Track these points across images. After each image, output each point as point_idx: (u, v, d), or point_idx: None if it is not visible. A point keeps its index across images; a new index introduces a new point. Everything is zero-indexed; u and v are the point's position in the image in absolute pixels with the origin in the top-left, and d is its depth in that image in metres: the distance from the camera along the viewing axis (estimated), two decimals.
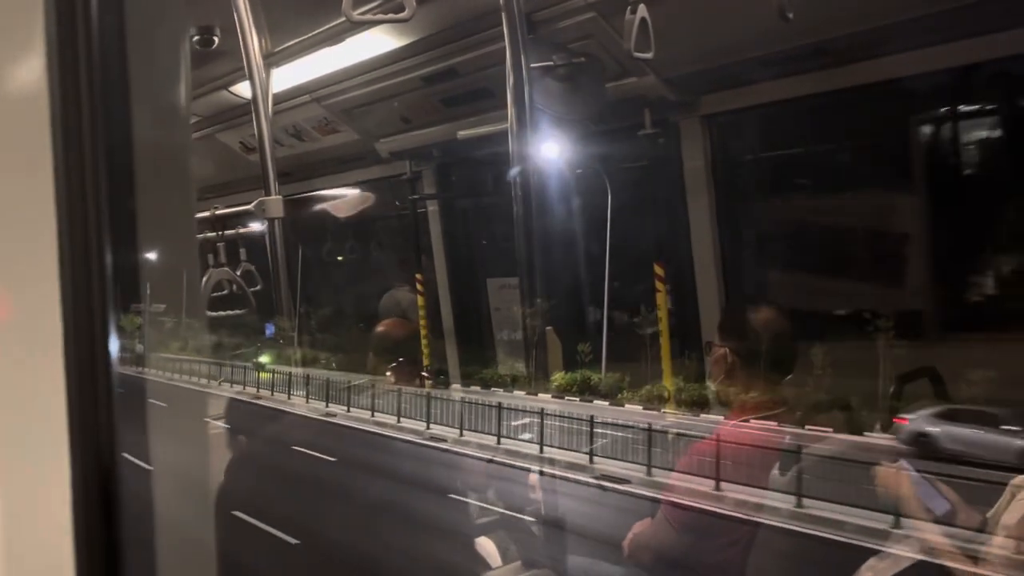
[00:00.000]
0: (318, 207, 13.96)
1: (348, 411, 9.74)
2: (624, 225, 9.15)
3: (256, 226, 11.78)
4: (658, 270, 8.23)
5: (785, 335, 3.79)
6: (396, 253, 12.75)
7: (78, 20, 0.93)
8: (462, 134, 9.31)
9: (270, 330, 12.82)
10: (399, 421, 8.75)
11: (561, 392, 8.76)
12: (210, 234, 10.29)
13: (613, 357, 8.91)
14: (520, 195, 8.52)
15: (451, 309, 11.16)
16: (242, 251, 13.03)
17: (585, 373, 8.76)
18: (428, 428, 8.51)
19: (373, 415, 9.22)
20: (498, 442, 7.79)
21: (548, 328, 8.55)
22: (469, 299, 11.09)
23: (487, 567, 4.10)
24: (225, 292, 12.71)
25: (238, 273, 12.90)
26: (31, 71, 0.93)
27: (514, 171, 8.54)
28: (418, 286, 11.47)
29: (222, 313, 12.24)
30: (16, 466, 0.91)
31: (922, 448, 6.18)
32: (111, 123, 0.97)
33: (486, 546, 4.20)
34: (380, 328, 7.07)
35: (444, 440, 8.27)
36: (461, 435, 8.18)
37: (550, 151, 8.82)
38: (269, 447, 8.01)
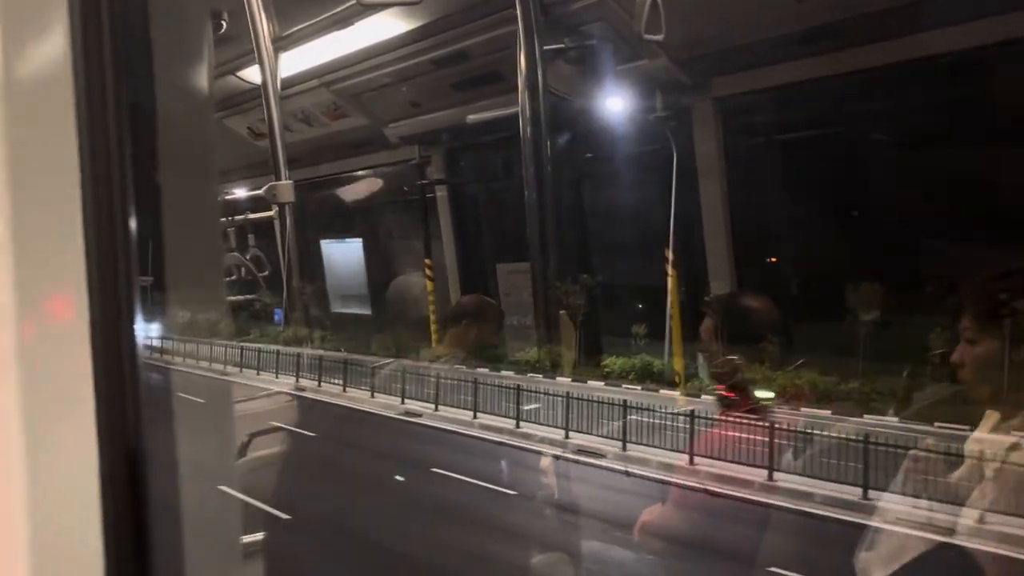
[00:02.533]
0: (327, 193, 14.01)
1: (436, 410, 7.96)
2: (641, 207, 9.13)
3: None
4: (669, 255, 8.19)
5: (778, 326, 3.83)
6: (405, 239, 12.74)
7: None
8: (472, 118, 9.26)
9: (279, 315, 12.86)
10: (518, 426, 7.25)
11: (617, 379, 7.97)
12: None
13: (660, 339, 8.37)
14: (533, 179, 8.46)
15: (460, 294, 11.15)
16: (251, 236, 13.09)
17: (645, 358, 8.02)
18: (567, 437, 6.77)
19: (476, 416, 7.57)
20: (770, 477, 5.30)
21: (561, 312, 8.41)
22: (479, 284, 11.08)
23: None
24: (234, 277, 12.75)
25: (247, 258, 12.93)
26: (54, 51, 0.91)
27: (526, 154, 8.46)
28: (427, 271, 11.46)
29: (231, 298, 12.27)
30: (44, 454, 0.90)
31: None
32: (135, 103, 0.95)
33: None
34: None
35: (602, 455, 6.41)
36: (623, 450, 6.38)
37: (562, 134, 8.76)
38: (406, 470, 7.05)
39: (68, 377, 0.90)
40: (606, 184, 9.69)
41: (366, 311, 12.71)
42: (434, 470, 6.75)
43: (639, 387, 7.75)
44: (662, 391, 7.54)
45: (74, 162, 0.90)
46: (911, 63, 6.78)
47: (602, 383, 7.93)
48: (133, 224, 0.94)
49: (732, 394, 3.55)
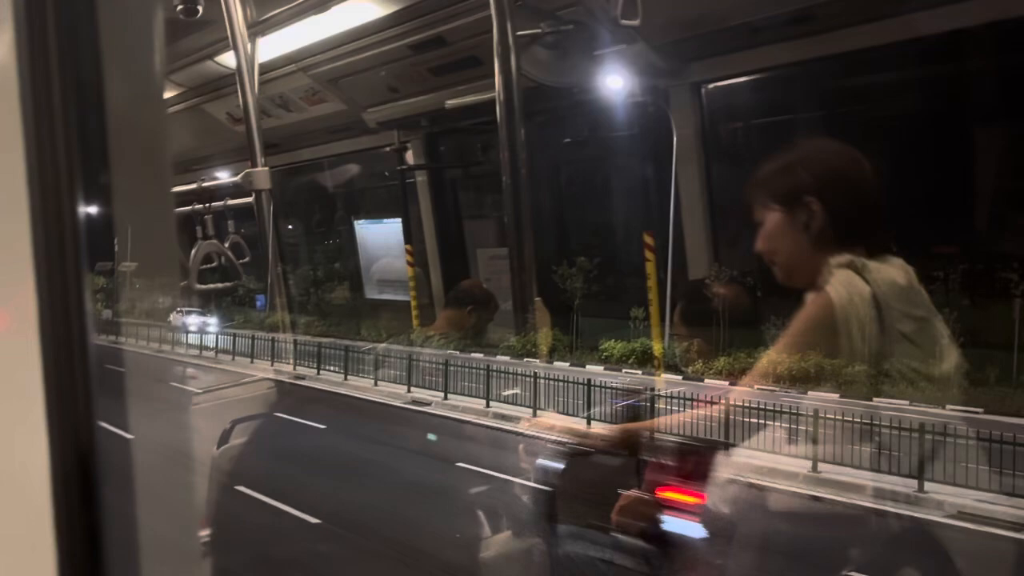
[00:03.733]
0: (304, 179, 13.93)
1: (445, 398, 7.66)
2: (619, 190, 9.11)
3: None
4: (647, 239, 8.19)
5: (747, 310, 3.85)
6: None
7: None
8: (450, 103, 9.22)
9: (261, 302, 12.79)
10: (536, 415, 6.75)
11: (617, 364, 7.80)
12: (197, 206, 10.18)
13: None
14: (508, 164, 8.41)
15: (441, 279, 11.13)
16: (230, 223, 12.97)
17: (645, 342, 7.83)
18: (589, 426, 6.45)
19: (488, 405, 7.23)
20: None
21: (537, 299, 8.36)
22: (459, 269, 11.06)
23: None
24: (214, 264, 12.65)
25: (226, 245, 12.83)
26: None
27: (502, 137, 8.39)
28: (408, 257, 11.42)
29: (212, 286, 12.18)
30: None
31: None
32: (83, 95, 0.95)
33: None
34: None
35: None
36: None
37: (539, 119, 8.73)
38: (431, 466, 6.50)
39: (17, 370, 0.90)
40: (583, 168, 9.70)
41: (404, 297, 12.06)
42: (460, 465, 6.28)
43: (639, 371, 7.62)
44: (664, 375, 7.39)
45: (20, 154, 0.89)
46: (892, 45, 6.81)
47: (600, 367, 7.88)
48: (82, 213, 0.93)
49: None
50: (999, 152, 6.90)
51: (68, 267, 0.92)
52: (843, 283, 1.90)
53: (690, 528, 1.68)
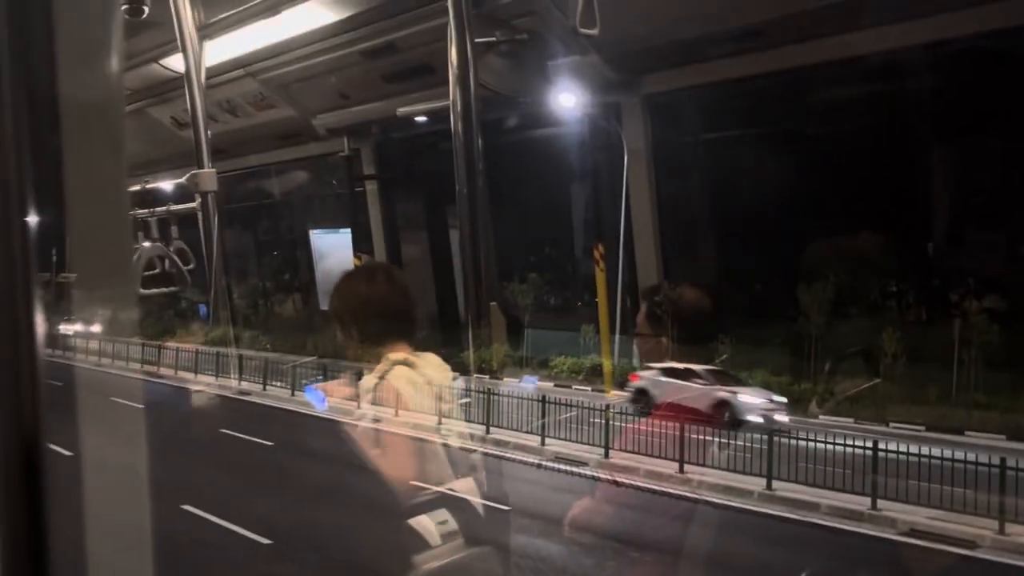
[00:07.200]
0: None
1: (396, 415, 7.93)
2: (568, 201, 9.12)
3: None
4: (597, 251, 8.19)
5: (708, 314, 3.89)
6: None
7: None
8: (402, 111, 9.15)
9: (203, 311, 12.54)
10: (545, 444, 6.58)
11: (567, 379, 7.78)
12: (141, 211, 9.92)
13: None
14: (464, 173, 8.29)
15: None
16: (174, 228, 12.64)
17: (595, 359, 7.83)
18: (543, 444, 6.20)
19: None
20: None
21: (493, 304, 8.24)
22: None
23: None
24: (158, 270, 12.30)
25: (171, 250, 12.49)
26: None
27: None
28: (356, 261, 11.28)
29: (155, 291, 11.87)
30: None
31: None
32: (35, 90, 0.89)
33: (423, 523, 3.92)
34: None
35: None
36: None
37: (494, 129, 8.67)
38: None
39: None
40: (532, 179, 9.72)
41: None
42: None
43: (589, 388, 7.58)
44: (614, 392, 7.39)
45: None
46: (838, 63, 6.96)
47: (551, 384, 7.85)
48: (32, 220, 0.87)
49: None
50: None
51: (17, 276, 0.86)
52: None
53: None
